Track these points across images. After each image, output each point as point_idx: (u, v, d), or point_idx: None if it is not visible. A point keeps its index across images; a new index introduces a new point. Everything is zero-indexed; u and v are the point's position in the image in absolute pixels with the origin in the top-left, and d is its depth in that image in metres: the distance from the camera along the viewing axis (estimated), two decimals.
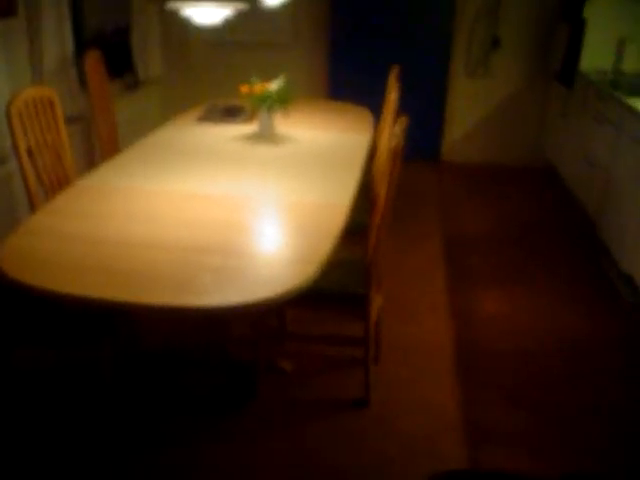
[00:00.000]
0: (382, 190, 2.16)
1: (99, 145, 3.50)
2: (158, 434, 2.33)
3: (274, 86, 3.06)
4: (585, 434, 2.40)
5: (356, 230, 2.51)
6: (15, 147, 2.42)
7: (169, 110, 4.73)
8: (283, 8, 4.85)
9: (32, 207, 2.47)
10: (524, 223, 4.32)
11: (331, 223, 2.14)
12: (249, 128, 3.23)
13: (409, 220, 4.25)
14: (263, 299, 1.71)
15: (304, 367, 2.71)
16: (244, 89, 3.03)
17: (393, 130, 2.13)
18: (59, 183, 2.65)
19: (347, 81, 5.16)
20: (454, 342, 2.92)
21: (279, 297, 1.73)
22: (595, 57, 4.39)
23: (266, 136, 3.10)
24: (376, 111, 3.56)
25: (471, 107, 5.28)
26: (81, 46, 3.88)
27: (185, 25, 3.65)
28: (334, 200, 2.35)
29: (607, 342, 2.99)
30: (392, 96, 2.85)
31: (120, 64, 4.50)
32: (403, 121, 2.17)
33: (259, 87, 3.01)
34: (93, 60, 3.43)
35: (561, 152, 4.78)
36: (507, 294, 3.37)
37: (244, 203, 2.30)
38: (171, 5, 2.40)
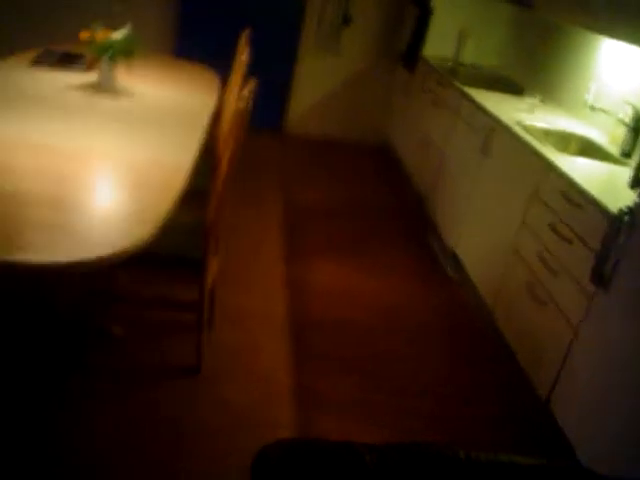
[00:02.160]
0: (225, 153, 2.11)
1: None
2: None
3: (118, 35, 2.88)
4: (413, 401, 2.54)
5: (195, 194, 2.44)
6: None
7: None
8: None
9: None
10: (361, 198, 4.46)
11: (170, 184, 2.05)
12: (88, 77, 3.00)
13: (250, 188, 4.22)
14: (95, 258, 1.60)
15: (136, 332, 2.61)
16: (84, 35, 2.82)
17: (241, 92, 2.08)
18: None
19: (195, 41, 4.99)
20: (288, 312, 2.96)
21: (112, 257, 1.63)
22: (438, 45, 4.61)
23: (106, 88, 2.90)
24: (222, 75, 3.48)
25: (318, 82, 5.33)
26: None
27: None
28: (175, 161, 2.25)
29: (432, 316, 3.18)
30: (242, 57, 2.79)
31: None
32: (252, 83, 2.13)
33: (102, 35, 2.82)
34: None
35: (400, 132, 4.99)
36: (342, 266, 3.47)
37: (78, 156, 2.13)
38: None
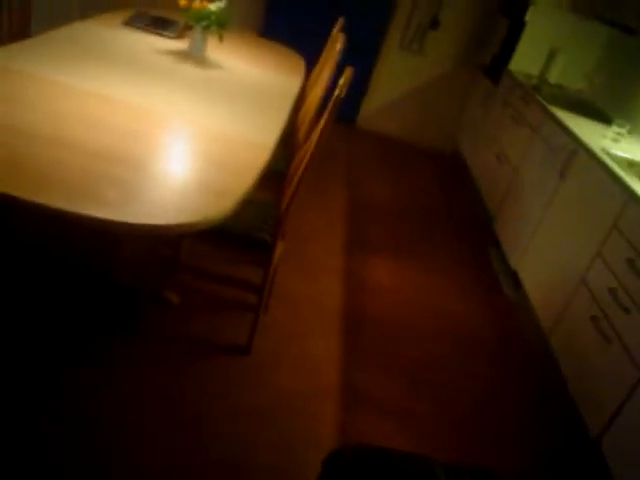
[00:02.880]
0: (308, 139, 2.08)
1: (8, 22, 3.16)
2: (26, 350, 2.16)
3: (214, 7, 2.88)
4: (454, 411, 2.49)
5: (271, 175, 2.43)
6: None
7: (90, 6, 4.36)
8: None
9: None
10: (427, 203, 4.40)
11: (253, 161, 2.04)
12: (178, 44, 3.02)
13: (317, 177, 4.20)
14: (174, 225, 1.59)
15: (191, 303, 2.61)
16: (183, 1, 2.83)
17: (338, 81, 2.05)
18: None
19: (283, 23, 4.99)
20: (343, 305, 2.93)
21: (191, 225, 1.62)
22: (525, 60, 4.50)
23: (196, 57, 2.92)
24: (307, 60, 3.47)
25: (397, 81, 5.27)
26: None
27: None
28: (258, 138, 2.24)
29: (484, 331, 3.11)
30: (337, 45, 2.75)
31: None
32: (349, 72, 2.09)
33: (199, 4, 2.82)
34: None
35: (473, 143, 4.89)
36: (400, 267, 3.42)
37: (164, 120, 2.13)
38: None
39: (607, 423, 2.34)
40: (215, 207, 1.71)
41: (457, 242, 3.97)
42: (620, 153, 3.16)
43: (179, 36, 3.13)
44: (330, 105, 2.03)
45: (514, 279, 3.51)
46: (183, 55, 2.88)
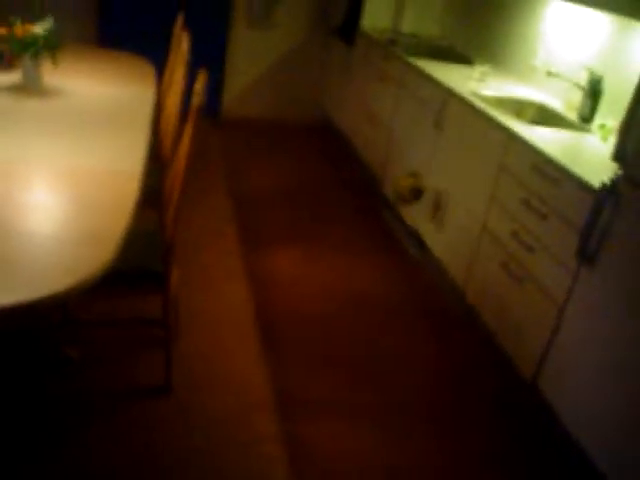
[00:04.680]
0: (181, 152, 1.92)
1: None
2: None
3: (40, 29, 2.61)
4: (399, 394, 2.44)
5: (146, 195, 2.24)
6: None
7: None
8: None
9: None
10: (309, 179, 4.30)
11: (123, 193, 1.85)
12: (9, 78, 2.73)
13: (193, 179, 4.00)
14: (51, 294, 1.40)
15: (94, 353, 2.40)
16: (2, 31, 2.54)
17: (194, 87, 1.89)
18: None
19: (120, 30, 4.68)
20: (255, 310, 2.80)
21: (71, 290, 1.43)
22: (376, 14, 4.45)
23: (32, 88, 2.63)
24: (156, 63, 3.25)
25: (253, 61, 5.10)
26: None
27: None
28: (123, 166, 2.04)
29: (401, 299, 3.07)
30: (183, 46, 2.56)
31: None
32: (203, 77, 1.93)
33: (20, 29, 2.54)
34: None
35: (343, 109, 4.82)
36: (301, 253, 3.32)
37: (11, 171, 1.89)
38: None
39: (539, 363, 2.36)
40: (96, 259, 1.53)
41: (351, 214, 3.91)
42: (488, 92, 3.18)
43: (6, 68, 2.83)
44: (191, 115, 1.87)
45: (417, 238, 3.50)
46: (17, 89, 2.59)
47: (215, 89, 5.11)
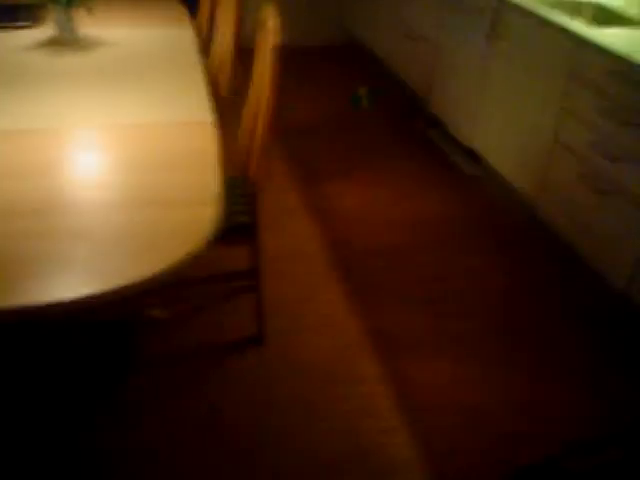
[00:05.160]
0: (264, 94, 1.81)
1: None
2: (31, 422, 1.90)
3: None
4: (490, 317, 2.41)
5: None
6: None
7: None
8: None
9: None
10: (348, 107, 4.16)
11: (204, 146, 1.76)
12: (41, 33, 2.58)
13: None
14: (171, 265, 1.33)
15: (181, 312, 2.37)
16: None
17: (269, 26, 1.76)
18: None
19: None
20: (327, 246, 2.74)
21: (189, 256, 1.36)
22: None
23: (69, 41, 2.50)
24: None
25: None
26: None
27: None
28: (193, 113, 1.94)
29: (468, 219, 3.01)
30: None
31: None
32: (274, 11, 1.80)
33: None
34: None
35: (372, 27, 4.60)
36: (356, 184, 3.23)
37: (79, 137, 1.77)
38: None
39: (631, 273, 2.31)
40: (205, 219, 1.45)
41: (398, 136, 3.79)
42: None
43: (38, 23, 2.68)
44: (270, 56, 1.75)
45: (471, 156, 3.40)
46: (55, 44, 2.45)
47: None
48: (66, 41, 2.48)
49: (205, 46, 2.95)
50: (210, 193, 1.56)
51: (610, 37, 2.41)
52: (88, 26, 2.61)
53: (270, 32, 1.75)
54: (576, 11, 2.97)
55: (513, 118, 2.95)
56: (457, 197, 3.18)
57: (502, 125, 3.03)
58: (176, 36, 2.63)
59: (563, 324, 2.41)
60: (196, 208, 1.51)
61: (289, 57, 4.94)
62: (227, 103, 2.55)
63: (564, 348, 2.30)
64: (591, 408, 2.06)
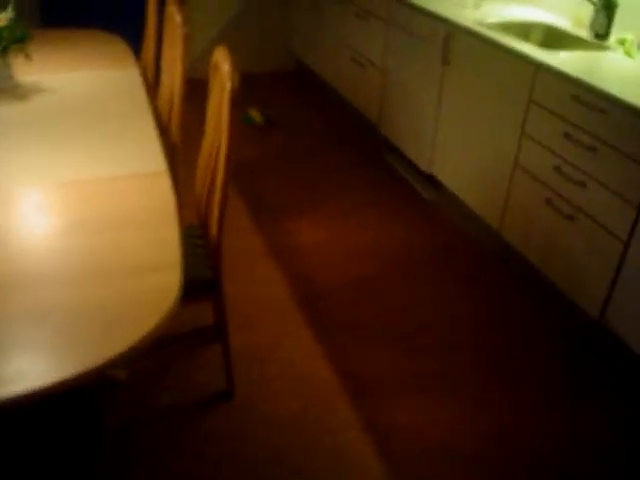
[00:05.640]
0: (222, 145, 1.71)
1: None
2: None
3: (3, 21, 2.30)
4: (467, 355, 2.34)
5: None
6: None
7: None
8: None
9: None
10: (298, 133, 4.08)
11: (158, 199, 1.66)
12: None
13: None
14: (141, 339, 1.22)
15: (142, 371, 2.23)
16: None
17: (223, 70, 1.66)
18: None
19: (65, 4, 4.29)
20: (292, 285, 2.64)
21: (157, 329, 1.25)
22: None
23: (7, 89, 2.35)
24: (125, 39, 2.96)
25: (208, 17, 4.74)
26: None
27: None
28: (142, 165, 1.82)
29: (430, 248, 2.95)
30: (177, 19, 2.28)
31: None
32: (225, 51, 1.70)
33: None
34: None
35: (319, 52, 4.54)
36: (314, 216, 3.15)
37: (13, 196, 1.64)
38: None
39: (605, 299, 2.28)
40: (169, 283, 1.35)
41: (353, 162, 3.73)
42: (491, 19, 2.99)
43: None
44: (227, 102, 1.65)
45: (429, 181, 3.36)
46: None
47: None
48: (2, 90, 2.34)
49: (153, 86, 2.83)
50: (171, 253, 1.46)
51: (567, 60, 2.39)
52: (26, 72, 2.47)
53: (225, 77, 1.65)
54: (525, 33, 2.96)
55: (472, 143, 2.91)
56: (420, 224, 3.13)
57: (461, 150, 3.00)
58: (121, 78, 2.50)
59: (537, 355, 2.36)
60: (159, 272, 1.40)
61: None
62: (178, 147, 2.45)
63: (538, 379, 2.25)
64: (566, 436, 2.01)
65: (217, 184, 1.78)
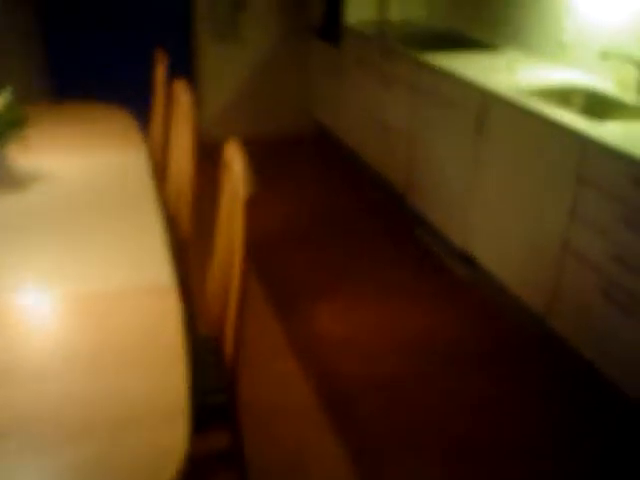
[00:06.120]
0: (237, 257, 1.46)
1: None
2: None
3: None
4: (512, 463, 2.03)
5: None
6: None
7: None
8: None
9: None
10: (322, 206, 3.83)
11: (164, 325, 1.40)
12: None
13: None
14: None
15: None
16: None
17: (235, 172, 1.42)
18: None
19: (73, 76, 4.15)
20: (314, 388, 2.36)
21: None
22: (358, 7, 3.97)
23: (4, 179, 2.15)
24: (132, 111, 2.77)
25: (227, 78, 4.59)
26: None
27: None
28: (147, 277, 1.58)
29: (469, 332, 2.66)
30: (182, 99, 2.07)
31: None
32: (237, 150, 1.47)
33: None
34: None
35: (342, 119, 4.32)
36: (339, 303, 2.87)
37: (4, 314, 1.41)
38: None
39: None
40: (177, 436, 1.10)
41: (381, 238, 3.46)
42: (528, 85, 2.75)
43: None
44: (241, 214, 1.41)
45: (462, 257, 3.08)
46: None
47: None
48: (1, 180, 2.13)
49: (162, 167, 2.61)
50: (178, 401, 1.20)
51: (617, 134, 2.14)
52: (24, 158, 2.26)
53: (238, 181, 1.42)
54: (565, 100, 2.72)
55: (511, 221, 2.64)
56: (456, 309, 2.84)
57: (499, 229, 2.73)
58: (126, 163, 2.28)
59: (592, 461, 2.04)
60: (163, 428, 1.14)
61: (255, 151, 4.62)
62: (188, 242, 2.21)
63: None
64: None
65: (232, 299, 1.53)
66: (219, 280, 1.64)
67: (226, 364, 1.63)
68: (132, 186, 2.10)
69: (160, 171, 2.63)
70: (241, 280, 1.47)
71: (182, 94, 2.07)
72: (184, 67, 4.45)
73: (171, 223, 2.26)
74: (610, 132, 2.16)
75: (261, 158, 4.51)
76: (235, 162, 1.44)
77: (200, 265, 2.23)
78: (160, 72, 2.51)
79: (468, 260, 3.04)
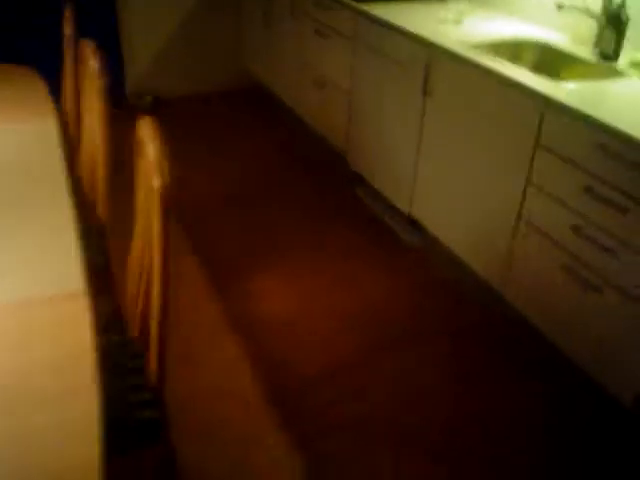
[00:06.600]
0: (155, 263, 1.24)
1: None
2: None
3: None
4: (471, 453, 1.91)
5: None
6: None
7: None
8: None
9: None
10: (258, 168, 3.58)
11: (75, 340, 1.18)
12: None
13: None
14: None
15: None
16: None
17: (150, 157, 1.18)
18: None
19: None
20: (261, 373, 2.17)
21: None
22: None
23: None
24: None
25: (155, 28, 4.20)
26: None
27: None
28: (59, 281, 1.34)
29: (415, 306, 2.52)
30: (91, 65, 1.78)
31: None
32: (153, 129, 1.22)
33: None
34: None
35: (277, 72, 4.03)
36: (281, 274, 2.67)
37: None
38: None
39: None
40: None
41: (320, 200, 3.26)
42: (476, 38, 2.55)
43: None
44: (157, 209, 1.18)
45: (409, 222, 2.92)
46: None
47: (114, 73, 4.21)
48: None
49: (77, 139, 2.31)
50: (89, 445, 0.99)
51: (580, 95, 1.97)
52: None
53: (153, 169, 1.18)
54: (516, 54, 2.54)
55: (463, 188, 2.47)
56: (405, 278, 2.68)
57: (449, 195, 2.56)
58: (31, 137, 1.98)
59: (559, 443, 1.95)
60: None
61: (185, 110, 4.31)
62: (106, 227, 1.95)
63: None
64: None
65: (154, 305, 1.30)
66: (137, 281, 1.41)
67: (150, 375, 1.42)
68: (38, 166, 1.81)
69: (75, 141, 2.34)
70: (162, 283, 1.25)
71: (90, 57, 1.78)
72: (108, 20, 4.06)
73: (86, 207, 1.99)
74: (571, 92, 1.99)
75: (192, 116, 4.20)
76: (149, 146, 1.20)
77: (124, 249, 1.99)
78: (68, 29, 2.19)
79: (415, 225, 2.88)
